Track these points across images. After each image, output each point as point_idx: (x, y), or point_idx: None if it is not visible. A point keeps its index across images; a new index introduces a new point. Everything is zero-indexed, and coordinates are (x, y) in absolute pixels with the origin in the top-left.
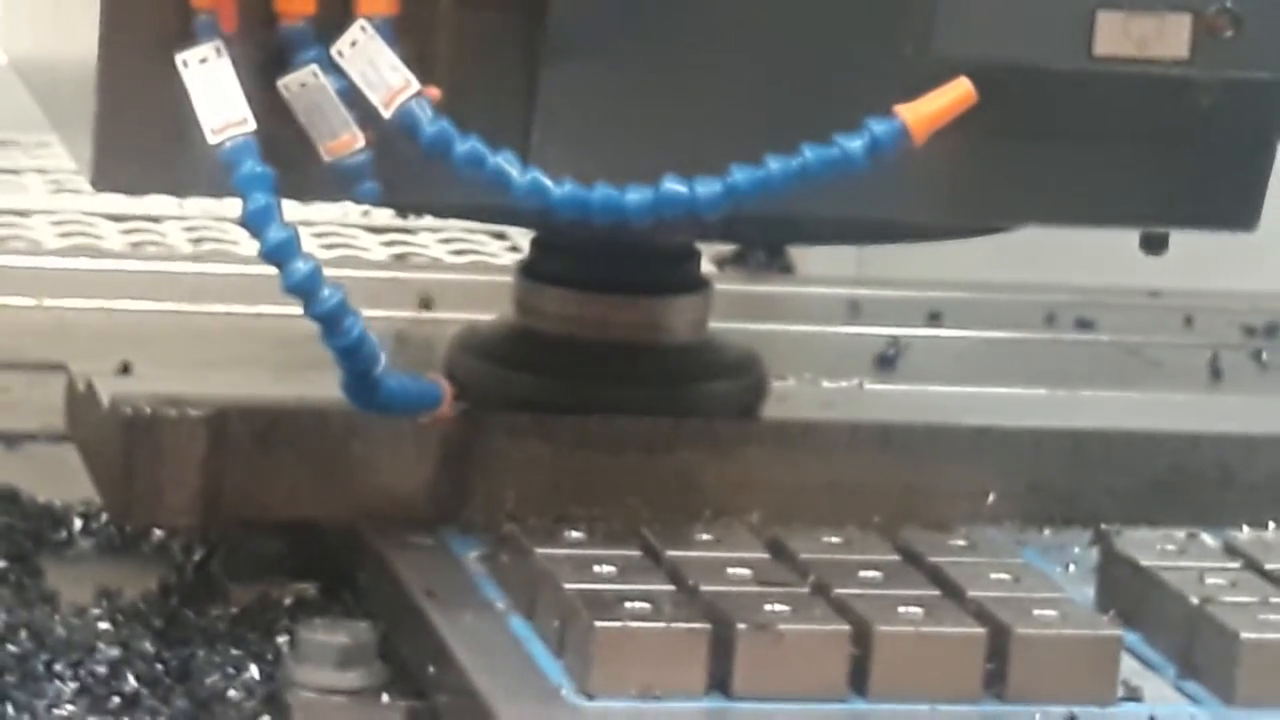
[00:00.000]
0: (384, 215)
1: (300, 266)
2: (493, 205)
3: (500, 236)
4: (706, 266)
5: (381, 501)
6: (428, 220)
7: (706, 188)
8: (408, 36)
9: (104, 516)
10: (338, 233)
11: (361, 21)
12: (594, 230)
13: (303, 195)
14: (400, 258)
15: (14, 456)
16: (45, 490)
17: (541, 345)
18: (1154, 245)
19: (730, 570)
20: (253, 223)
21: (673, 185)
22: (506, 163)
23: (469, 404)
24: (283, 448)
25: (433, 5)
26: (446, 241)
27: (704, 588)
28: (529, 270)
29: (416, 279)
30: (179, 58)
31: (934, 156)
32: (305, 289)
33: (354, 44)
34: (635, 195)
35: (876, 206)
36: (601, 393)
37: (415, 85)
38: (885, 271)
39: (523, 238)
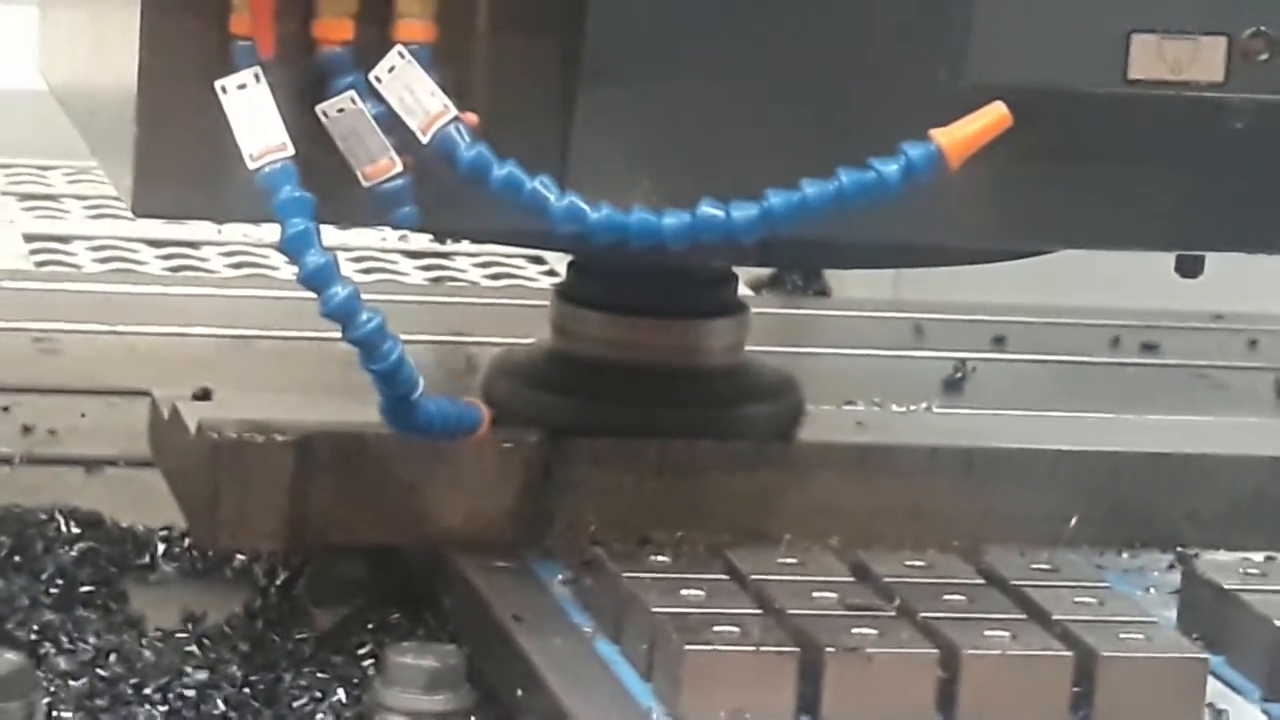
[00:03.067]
0: (421, 240)
1: (338, 291)
2: (530, 229)
3: (537, 260)
4: (745, 290)
5: (464, 526)
6: (465, 245)
7: (743, 212)
8: (445, 62)
9: (186, 541)
10: (376, 257)
11: (400, 48)
12: (631, 254)
13: (341, 220)
14: (438, 282)
15: (94, 481)
16: (126, 515)
17: (579, 368)
18: (1189, 268)
19: (816, 594)
20: (291, 248)
21: (709, 209)
22: (544, 187)
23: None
24: (367, 472)
25: (470, 31)
26: (484, 266)
27: (791, 611)
28: (566, 294)
29: (454, 303)
30: (218, 84)
31: (969, 180)
32: (343, 313)
33: (392, 70)
34: (672, 219)
35: (912, 230)
36: (639, 416)
37: (453, 111)
38: (921, 295)
39: (560, 262)
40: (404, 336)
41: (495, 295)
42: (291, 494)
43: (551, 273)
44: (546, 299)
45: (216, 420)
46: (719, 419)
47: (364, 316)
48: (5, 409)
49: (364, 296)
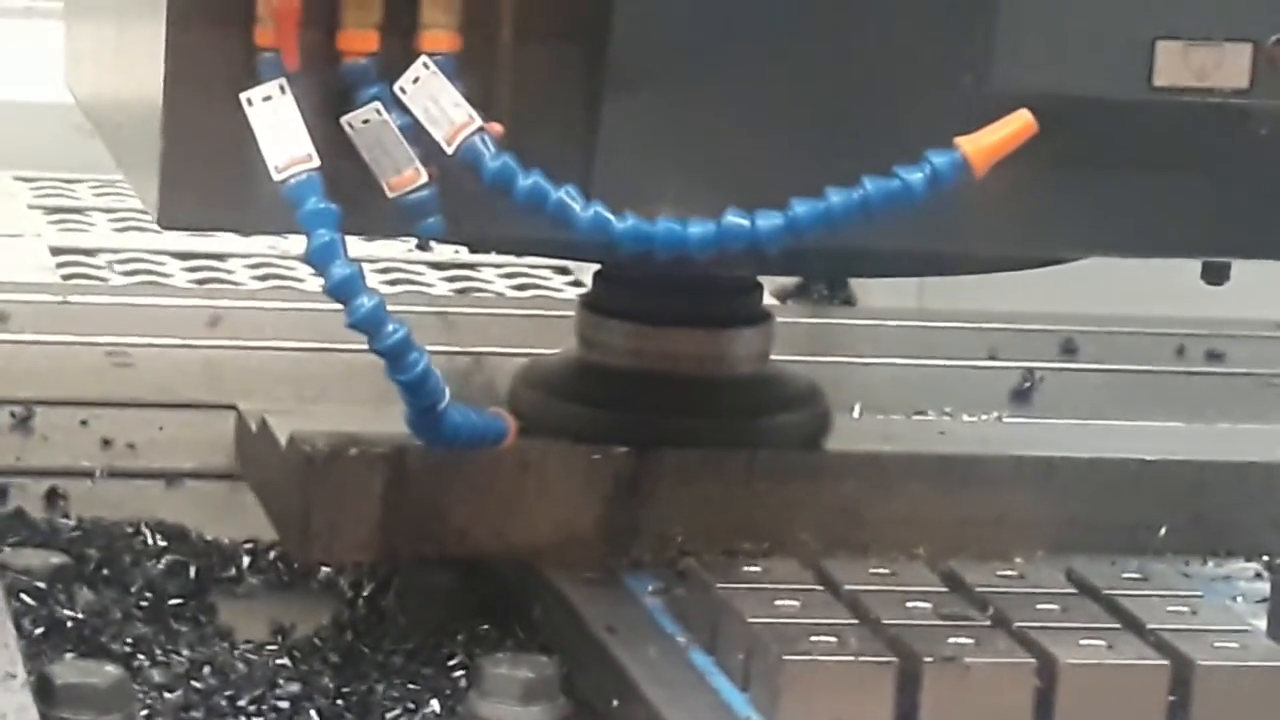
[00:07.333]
0: (447, 251)
1: (364, 302)
2: (555, 239)
3: (563, 270)
4: (770, 299)
5: (554, 537)
6: (490, 255)
7: (768, 221)
8: (470, 73)
9: (272, 553)
10: (401, 269)
11: (424, 58)
12: (656, 264)
13: (367, 231)
14: (463, 293)
15: (175, 494)
16: (208, 527)
17: (604, 378)
18: (1215, 275)
19: (910, 604)
20: (317, 259)
21: (734, 219)
22: (569, 197)
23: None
24: (458, 485)
25: (495, 42)
26: (509, 277)
27: (886, 621)
28: (592, 304)
29: (479, 314)
30: (243, 96)
31: (994, 188)
32: (369, 325)
33: (417, 81)
34: (697, 229)
35: (937, 238)
36: (664, 425)
37: (478, 121)
38: (946, 304)
39: (585, 272)
40: (429, 347)
41: (520, 306)
42: (383, 506)
43: (577, 283)
44: (572, 309)
45: (308, 433)
46: (745, 428)
47: (390, 327)
48: (83, 423)
49: (390, 308)
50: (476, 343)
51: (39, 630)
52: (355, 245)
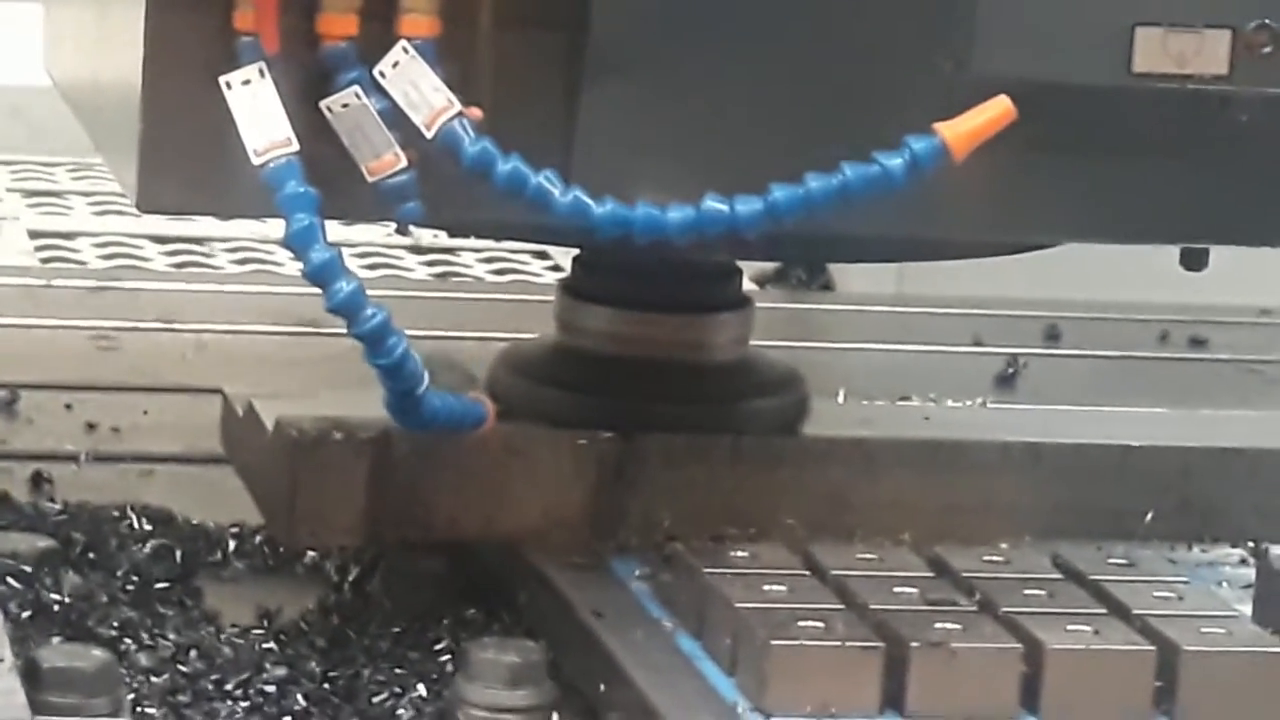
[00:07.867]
0: (426, 235)
1: (343, 287)
2: (535, 224)
3: (542, 256)
4: (749, 285)
5: (540, 522)
6: (470, 240)
7: (747, 206)
8: (450, 57)
9: (257, 537)
10: (380, 253)
11: (404, 43)
12: (635, 248)
13: (346, 216)
14: (442, 278)
15: (158, 478)
16: (193, 511)
17: (583, 363)
18: (1194, 261)
19: (896, 589)
20: (296, 243)
21: (713, 204)
22: (548, 182)
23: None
24: (444, 469)
25: (474, 26)
26: (488, 261)
27: (873, 606)
28: (571, 288)
29: (458, 299)
30: (223, 80)
31: (973, 174)
32: (348, 309)
33: (396, 65)
34: (676, 214)
35: (916, 224)
36: (643, 410)
37: (457, 106)
38: (926, 290)
39: (565, 256)
40: (408, 331)
41: (500, 290)
42: (369, 490)
43: (556, 268)
44: (551, 294)
45: (294, 417)
46: (724, 413)
47: (369, 312)
48: (68, 407)
49: (369, 292)
50: (455, 327)
51: (25, 614)
52: (334, 230)
